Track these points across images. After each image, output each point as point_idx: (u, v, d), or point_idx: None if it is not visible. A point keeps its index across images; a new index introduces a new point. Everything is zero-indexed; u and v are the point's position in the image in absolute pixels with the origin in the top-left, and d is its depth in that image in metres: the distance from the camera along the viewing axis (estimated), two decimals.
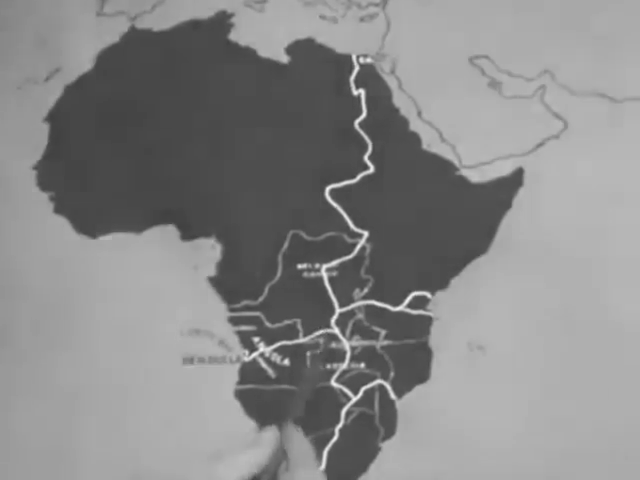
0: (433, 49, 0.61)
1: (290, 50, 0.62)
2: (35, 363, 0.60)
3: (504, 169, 0.59)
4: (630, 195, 0.58)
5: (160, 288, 0.60)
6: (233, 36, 0.63)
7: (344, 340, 0.58)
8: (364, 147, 0.60)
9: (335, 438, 0.57)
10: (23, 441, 0.60)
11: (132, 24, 0.65)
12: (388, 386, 0.57)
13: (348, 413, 0.57)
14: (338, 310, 0.58)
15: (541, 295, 0.57)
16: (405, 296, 0.58)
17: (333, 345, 0.58)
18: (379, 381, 0.58)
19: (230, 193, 0.61)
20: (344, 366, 0.58)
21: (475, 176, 0.59)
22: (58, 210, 0.63)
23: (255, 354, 0.59)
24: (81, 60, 0.65)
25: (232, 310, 0.59)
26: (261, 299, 0.59)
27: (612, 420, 0.56)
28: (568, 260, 0.58)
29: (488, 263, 0.58)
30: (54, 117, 0.64)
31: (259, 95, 0.62)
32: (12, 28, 0.66)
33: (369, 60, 0.62)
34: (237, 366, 0.59)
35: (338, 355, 0.58)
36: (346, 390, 0.58)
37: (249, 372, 0.58)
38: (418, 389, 0.57)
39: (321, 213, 0.60)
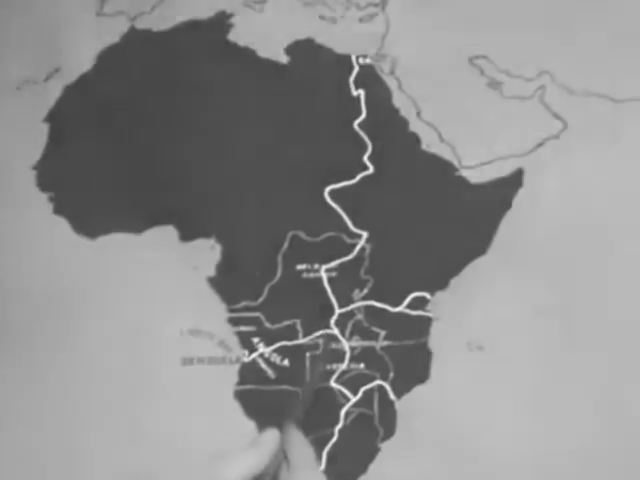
0: (433, 49, 0.61)
1: (289, 50, 0.62)
2: (33, 363, 0.60)
3: (504, 169, 0.59)
4: (630, 195, 0.58)
5: (159, 288, 0.60)
6: (232, 36, 0.63)
7: (343, 341, 0.58)
8: (363, 147, 0.60)
9: (334, 439, 0.57)
10: (21, 441, 0.60)
11: (132, 24, 0.65)
12: (387, 387, 0.57)
13: (347, 414, 0.57)
14: (337, 311, 0.58)
15: (541, 295, 0.57)
16: (405, 297, 0.58)
17: (333, 345, 0.58)
18: (378, 382, 0.58)
19: (229, 194, 0.61)
20: (343, 366, 0.58)
21: (475, 176, 0.59)
22: (57, 210, 0.63)
23: (255, 354, 0.59)
24: (81, 60, 0.65)
25: (232, 311, 0.59)
26: (261, 300, 0.59)
27: (612, 420, 0.56)
28: (568, 260, 0.57)
29: (488, 263, 0.58)
30: (54, 117, 0.64)
31: (258, 95, 0.62)
32: (12, 28, 0.66)
33: (368, 60, 0.61)
34: (237, 367, 0.59)
35: (337, 355, 0.58)
36: (345, 391, 0.58)
37: (249, 373, 0.59)
38: (417, 390, 0.57)
39: (320, 214, 0.60)
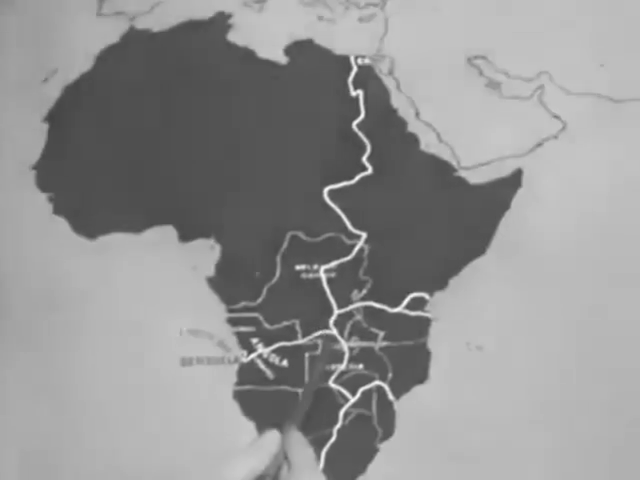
0: (431, 50, 0.61)
1: (288, 51, 0.62)
2: (33, 363, 0.60)
3: (503, 170, 0.59)
4: (629, 195, 0.58)
5: (159, 288, 0.60)
6: (232, 36, 0.63)
7: (342, 341, 0.58)
8: (362, 148, 0.60)
9: (333, 439, 0.57)
10: (19, 442, 0.60)
11: (131, 24, 0.65)
12: (386, 387, 0.57)
13: (346, 414, 0.57)
14: (337, 311, 0.59)
15: (540, 295, 0.57)
16: (403, 297, 0.58)
17: (333, 346, 0.58)
18: (377, 382, 0.58)
19: (229, 194, 0.61)
20: (342, 367, 0.58)
21: (473, 177, 0.59)
22: (57, 210, 0.63)
23: (253, 355, 0.59)
24: (80, 60, 0.64)
25: (231, 311, 0.59)
26: (260, 300, 0.59)
27: (612, 420, 0.56)
28: (567, 261, 0.58)
29: (486, 264, 0.58)
30: (53, 117, 0.64)
31: (258, 96, 0.62)
32: (12, 28, 0.66)
33: (367, 61, 0.61)
34: (235, 367, 0.59)
35: (336, 356, 0.58)
36: (344, 391, 0.58)
37: (247, 373, 0.59)
38: (416, 390, 0.57)
39: (319, 214, 0.60)
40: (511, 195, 0.59)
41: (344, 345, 0.58)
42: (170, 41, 0.64)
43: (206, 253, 0.60)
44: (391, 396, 0.57)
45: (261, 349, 0.59)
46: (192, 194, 0.61)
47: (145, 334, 0.60)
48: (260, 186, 0.61)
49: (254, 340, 0.59)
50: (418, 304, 0.58)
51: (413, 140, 0.60)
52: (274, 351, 0.59)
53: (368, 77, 0.61)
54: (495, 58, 0.60)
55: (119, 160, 0.63)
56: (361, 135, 0.60)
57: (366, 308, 0.58)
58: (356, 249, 0.59)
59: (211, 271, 0.60)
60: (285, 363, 0.58)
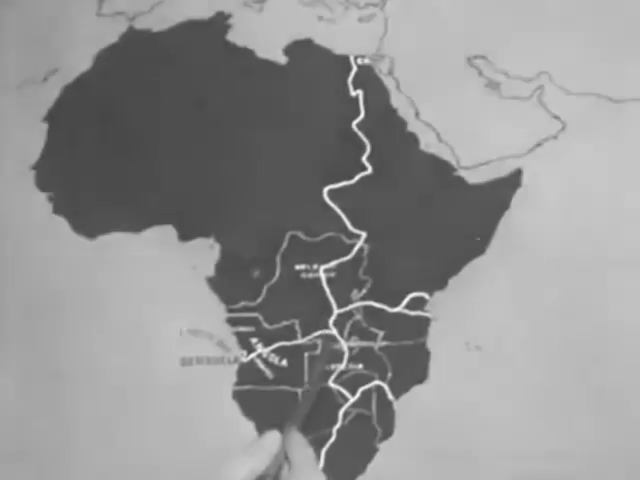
0: (431, 50, 0.61)
1: (288, 51, 0.62)
2: (33, 363, 0.61)
3: (502, 170, 0.59)
4: (629, 195, 0.58)
5: (158, 288, 0.60)
6: (231, 36, 0.63)
7: (342, 341, 0.58)
8: (362, 148, 0.60)
9: (333, 439, 0.57)
10: (18, 442, 0.60)
11: (131, 24, 0.65)
12: (386, 387, 0.57)
13: (346, 414, 0.57)
14: (336, 311, 0.59)
15: (539, 295, 0.57)
16: (403, 297, 0.58)
17: (333, 346, 0.58)
18: (377, 382, 0.58)
19: (228, 193, 0.61)
20: (342, 367, 0.58)
21: (473, 177, 0.59)
22: (57, 210, 0.63)
23: (253, 355, 0.59)
24: (80, 60, 0.64)
25: (230, 311, 0.59)
26: (259, 300, 0.59)
27: (612, 420, 0.56)
28: (566, 260, 0.58)
29: (486, 264, 0.58)
30: (53, 117, 0.64)
31: (257, 96, 0.62)
32: (11, 28, 0.66)
33: (367, 61, 0.61)
34: (235, 367, 0.59)
35: (336, 356, 0.58)
36: (344, 391, 0.58)
37: (247, 373, 0.59)
38: (416, 390, 0.57)
39: (319, 214, 0.60)
40: (511, 195, 0.59)
41: (344, 345, 0.58)
42: (169, 41, 0.64)
43: (206, 253, 0.60)
44: (391, 396, 0.57)
45: (261, 349, 0.59)
46: (192, 194, 0.61)
47: (145, 334, 0.60)
48: (260, 186, 0.61)
49: (254, 340, 0.59)
50: (418, 304, 0.58)
51: (413, 140, 0.60)
52: (274, 351, 0.59)
53: (368, 77, 0.61)
54: (495, 58, 0.60)
55: (118, 159, 0.63)
56: (361, 135, 0.60)
57: (366, 308, 0.58)
58: (356, 249, 0.59)
59: (211, 271, 0.60)
60: (285, 363, 0.58)
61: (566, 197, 0.58)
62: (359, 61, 0.61)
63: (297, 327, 0.59)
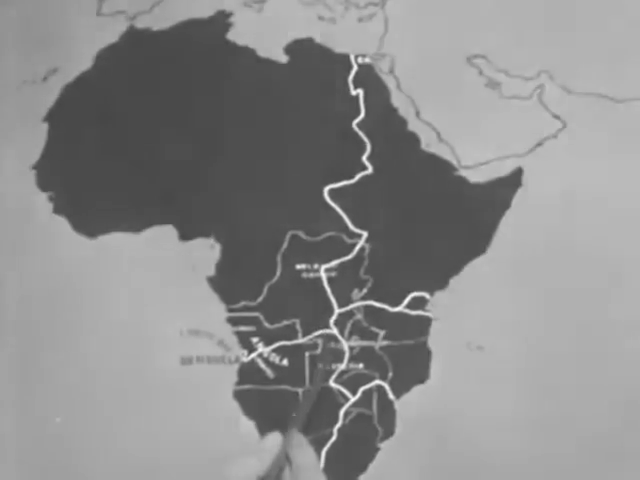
0: (431, 49, 0.61)
1: (289, 50, 0.62)
2: (33, 363, 0.60)
3: (503, 169, 0.59)
4: (629, 195, 0.58)
5: (159, 288, 0.60)
6: (232, 36, 0.63)
7: (343, 340, 0.58)
8: (362, 147, 0.60)
9: (333, 438, 0.57)
10: (18, 441, 0.60)
11: (131, 24, 0.65)
12: (387, 386, 0.57)
13: (346, 413, 0.57)
14: (337, 310, 0.58)
15: (540, 295, 0.57)
16: (404, 296, 0.58)
17: (333, 346, 0.58)
18: (378, 381, 0.58)
19: (229, 193, 0.61)
20: (343, 366, 0.58)
21: (474, 176, 0.59)
22: (57, 210, 0.63)
23: (254, 354, 0.59)
24: (80, 60, 0.65)
25: (231, 310, 0.59)
26: (260, 299, 0.59)
27: (612, 420, 0.56)
28: (567, 260, 0.57)
29: (487, 263, 0.58)
30: (53, 117, 0.64)
31: (257, 95, 0.62)
32: (11, 28, 0.66)
33: (367, 60, 0.61)
34: (236, 366, 0.59)
35: (337, 355, 0.58)
36: (344, 390, 0.58)
37: (248, 372, 0.59)
38: (417, 389, 0.57)
39: (320, 213, 0.60)
40: (511, 194, 0.59)
41: (344, 344, 0.58)
42: (169, 41, 0.64)
43: (206, 252, 0.60)
44: (391, 395, 0.57)
45: (261, 348, 0.59)
46: (192, 193, 0.61)
47: (145, 333, 0.60)
48: (260, 185, 0.61)
49: (254, 339, 0.59)
50: (419, 303, 0.58)
51: (413, 139, 0.60)
52: (274, 350, 0.59)
53: (368, 76, 0.61)
54: (495, 58, 0.60)
55: (119, 159, 0.63)
56: (361, 134, 0.60)
57: (366, 307, 0.58)
58: (357, 248, 0.59)
59: (211, 270, 0.60)
60: (285, 362, 0.58)
61: (566, 196, 0.58)
62: (359, 60, 0.61)
63: (298, 326, 0.59)
